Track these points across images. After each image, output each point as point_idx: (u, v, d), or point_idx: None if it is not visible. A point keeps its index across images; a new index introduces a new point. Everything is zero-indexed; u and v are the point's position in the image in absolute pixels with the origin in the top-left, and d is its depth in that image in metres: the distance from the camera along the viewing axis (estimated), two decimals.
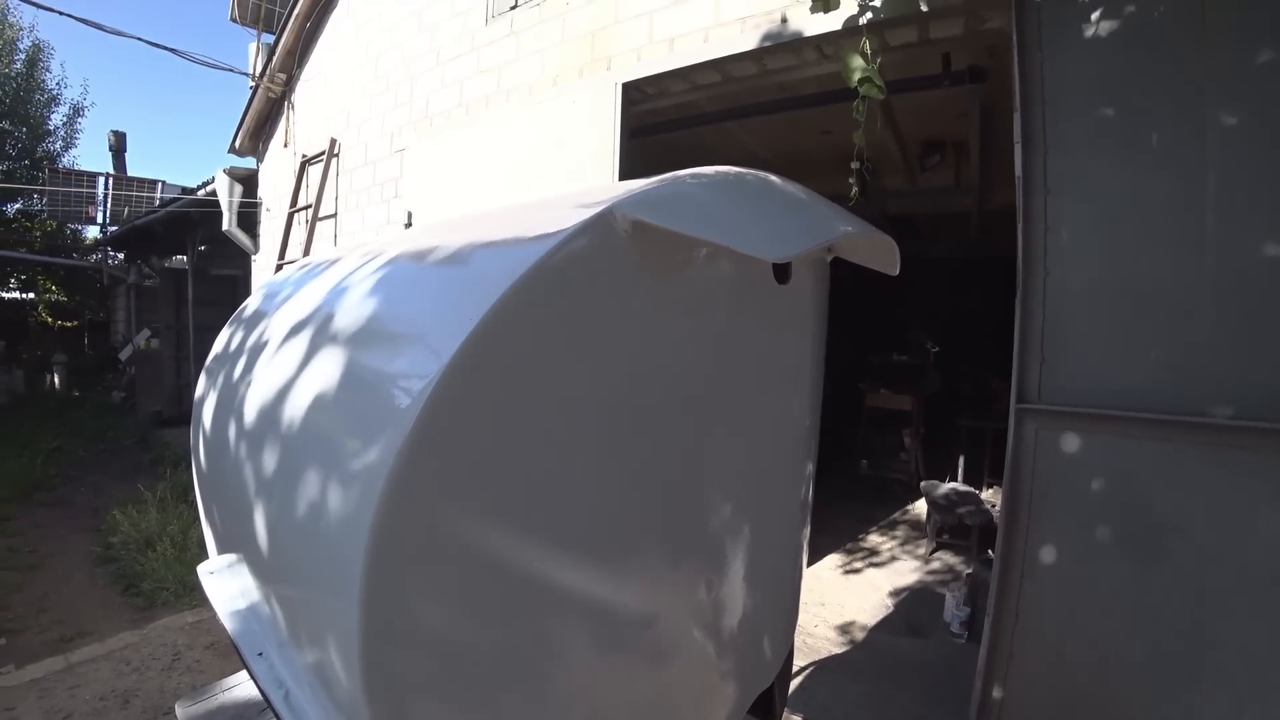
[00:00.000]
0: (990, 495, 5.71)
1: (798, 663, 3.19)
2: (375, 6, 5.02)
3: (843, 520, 5.40)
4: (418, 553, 0.69)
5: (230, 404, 1.13)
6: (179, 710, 1.54)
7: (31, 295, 15.25)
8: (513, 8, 3.82)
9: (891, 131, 4.70)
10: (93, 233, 13.96)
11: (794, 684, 3.05)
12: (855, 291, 7.93)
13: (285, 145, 6.19)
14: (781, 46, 2.75)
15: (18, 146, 13.24)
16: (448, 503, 0.70)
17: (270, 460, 0.93)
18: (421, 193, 4.38)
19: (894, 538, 5.15)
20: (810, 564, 4.52)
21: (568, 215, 0.82)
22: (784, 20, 2.71)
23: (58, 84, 14.44)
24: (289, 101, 6.11)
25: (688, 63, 2.94)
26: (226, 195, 6.50)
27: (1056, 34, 2.15)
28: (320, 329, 0.96)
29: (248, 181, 6.74)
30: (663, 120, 4.23)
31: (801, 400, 1.25)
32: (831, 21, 2.59)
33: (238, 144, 6.62)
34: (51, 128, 14.24)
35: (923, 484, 5.02)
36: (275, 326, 1.10)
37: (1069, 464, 2.10)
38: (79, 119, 14.83)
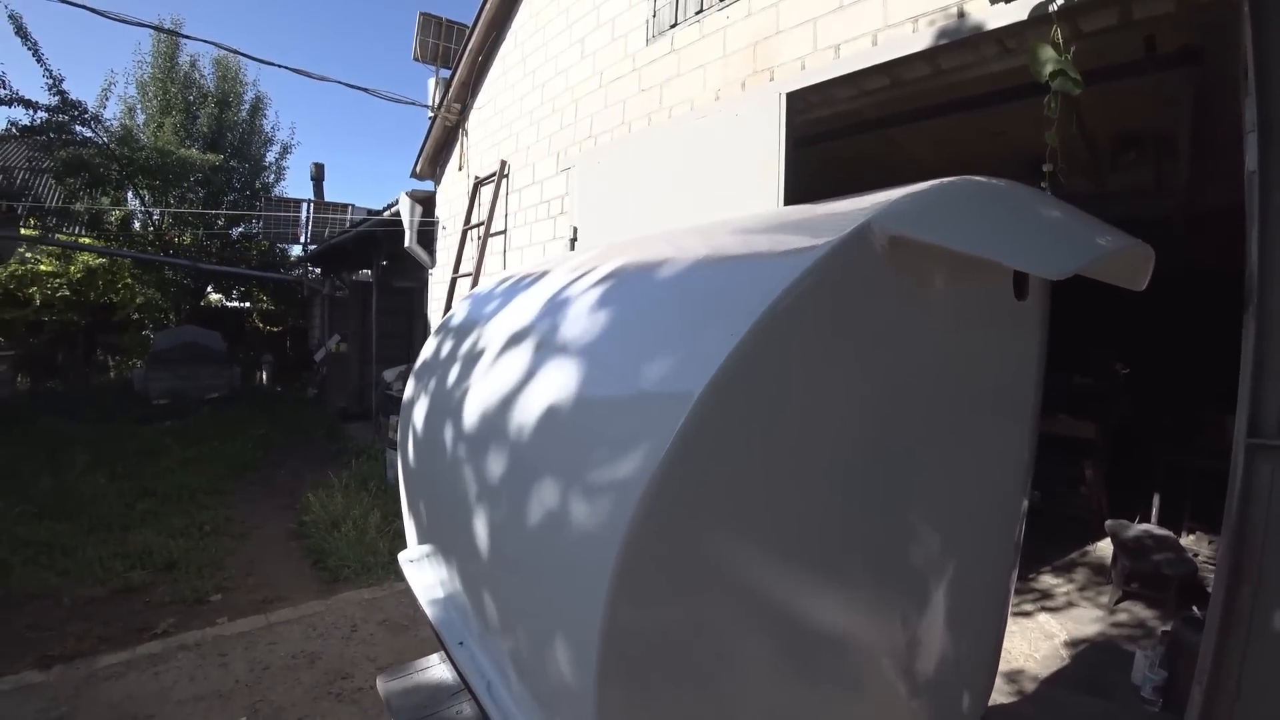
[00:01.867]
0: (1191, 542, 4.96)
1: None
2: (540, 37, 5.37)
3: None
4: (663, 571, 0.68)
5: (444, 407, 1.21)
6: (380, 682, 1.70)
7: (248, 304, 17.87)
8: (672, 26, 3.92)
9: (1078, 127, 4.27)
10: (296, 251, 16.18)
11: None
12: None
13: (460, 169, 6.78)
14: (958, 43, 2.59)
15: (241, 181, 15.69)
16: (698, 522, 0.68)
17: (497, 465, 0.95)
18: (587, 209, 4.60)
19: (1071, 581, 4.60)
20: None
21: (818, 229, 0.79)
22: (961, 14, 2.56)
23: (272, 128, 17.14)
24: (463, 129, 6.69)
25: (855, 68, 2.86)
26: (408, 215, 7.22)
27: None
28: (546, 343, 0.97)
29: (426, 202, 7.45)
30: (824, 130, 4.14)
31: (1022, 430, 1.14)
32: (1017, 11, 2.41)
33: (418, 169, 7.35)
34: (267, 164, 16.85)
35: (1109, 523, 4.45)
36: (491, 336, 1.17)
37: None
38: (288, 155, 17.41)
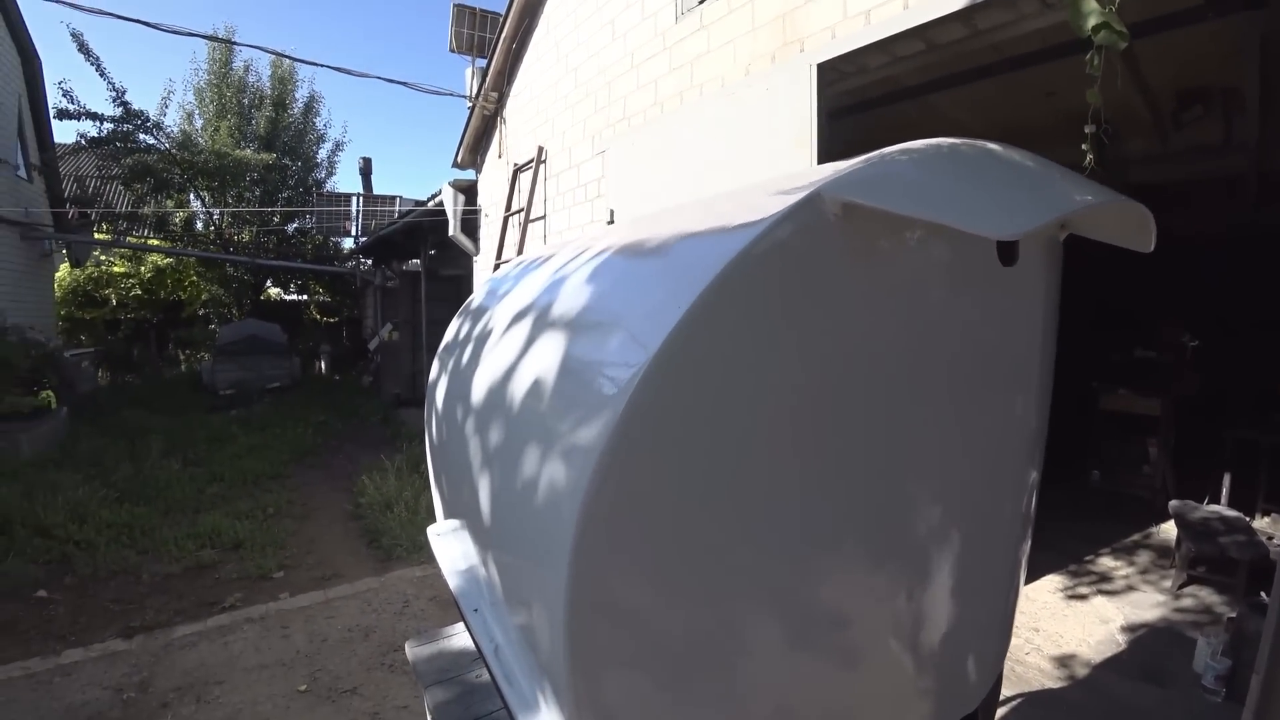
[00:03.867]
0: (1266, 525, 4.70)
1: (1005, 691, 2.87)
2: (571, 21, 5.37)
3: (1066, 537, 4.76)
4: (625, 530, 0.72)
5: (459, 386, 1.27)
6: (408, 648, 1.78)
7: (305, 297, 18.57)
8: (701, 2, 3.86)
9: (1135, 83, 4.03)
10: (348, 244, 16.70)
11: (1000, 714, 2.75)
12: (1091, 275, 6.93)
13: (499, 156, 6.85)
14: (995, 2, 2.48)
15: (295, 178, 16.23)
16: (655, 484, 0.72)
17: (495, 437, 1.03)
18: (622, 190, 4.60)
19: (1131, 564, 4.43)
20: (1028, 583, 4.04)
21: (772, 202, 0.80)
22: None
23: (325, 125, 17.67)
24: (501, 117, 6.75)
25: (888, 34, 2.76)
26: (451, 204, 7.36)
27: None
28: (538, 320, 1.04)
29: (469, 191, 7.57)
30: (860, 100, 4.02)
31: (1028, 399, 1.11)
32: None
33: (459, 159, 7.46)
34: (319, 160, 17.31)
35: (1173, 504, 4.24)
36: (498, 318, 1.22)
37: None
38: (339, 152, 17.88)
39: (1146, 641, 3.43)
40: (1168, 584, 4.03)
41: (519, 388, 0.96)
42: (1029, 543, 1.23)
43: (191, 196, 15.00)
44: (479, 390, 1.11)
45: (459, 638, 1.71)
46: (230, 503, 5.93)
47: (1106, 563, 4.43)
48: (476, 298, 1.67)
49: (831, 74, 3.14)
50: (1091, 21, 2.15)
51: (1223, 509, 4.20)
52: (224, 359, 12.16)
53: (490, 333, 1.20)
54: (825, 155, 3.00)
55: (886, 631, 0.98)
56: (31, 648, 3.45)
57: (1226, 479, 4.81)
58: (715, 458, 0.74)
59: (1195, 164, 5.00)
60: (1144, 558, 4.55)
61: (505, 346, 1.06)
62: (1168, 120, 4.53)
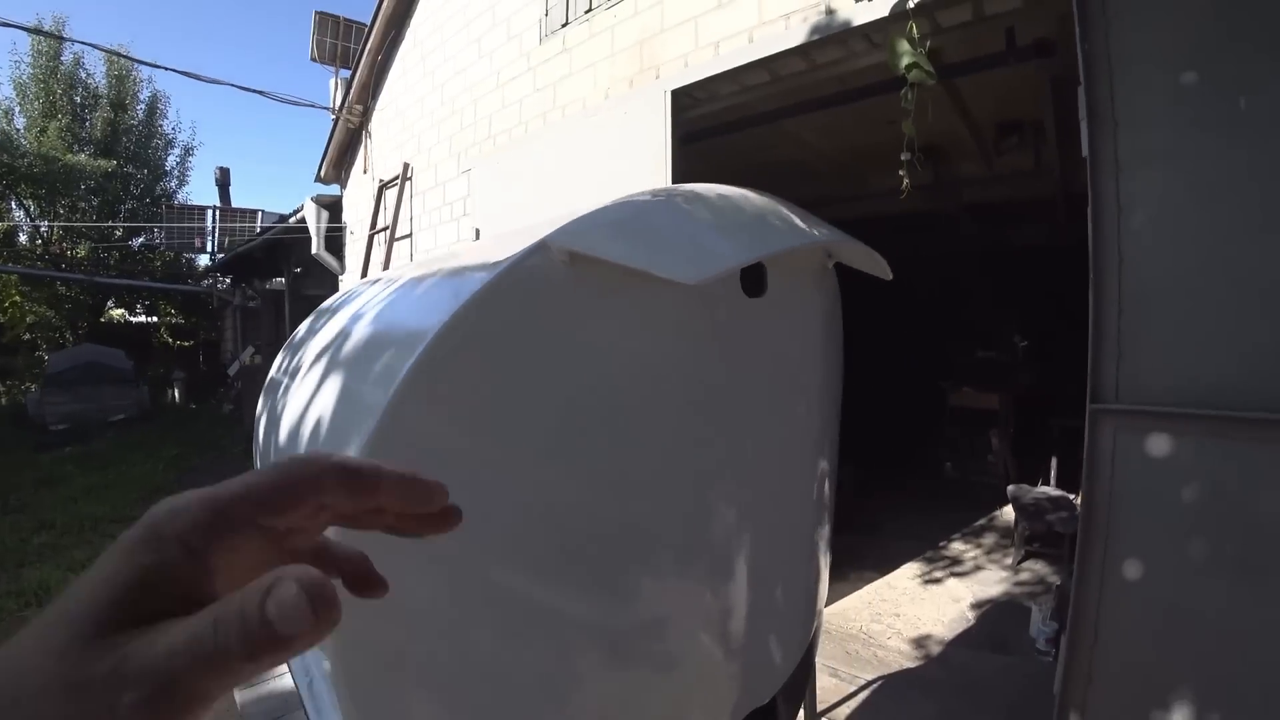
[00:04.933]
0: None
1: (865, 675, 3.07)
2: (438, 36, 5.25)
3: (923, 526, 5.17)
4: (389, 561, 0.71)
5: (273, 420, 1.21)
6: (235, 693, 1.67)
7: (154, 319, 16.86)
8: (564, 25, 3.90)
9: (961, 116, 4.47)
10: (204, 260, 15.33)
11: (860, 698, 2.94)
12: (933, 286, 7.56)
13: (365, 172, 6.56)
14: (829, 39, 2.67)
15: (140, 187, 14.76)
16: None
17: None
18: (488, 210, 4.53)
19: (979, 546, 4.87)
20: (885, 573, 4.35)
21: (523, 244, 0.85)
22: (829, 11, 2.64)
23: (173, 129, 16.07)
24: (366, 131, 6.48)
25: (734, 64, 2.91)
26: (314, 221, 6.96)
27: None
28: (335, 352, 1.02)
29: (333, 207, 7.18)
30: (718, 123, 4.20)
31: (809, 401, 1.23)
32: (878, 8, 2.50)
33: (322, 173, 7.08)
34: (168, 168, 15.81)
35: (1010, 488, 4.72)
36: (310, 349, 1.18)
37: (1153, 469, 1.92)
38: (190, 158, 16.45)
39: (992, 615, 3.78)
40: (1009, 561, 4.46)
41: (309, 420, 0.96)
42: (828, 526, 1.35)
43: (13, 205, 13.27)
44: (285, 425, 1.08)
45: (287, 676, 1.63)
46: (63, 553, 5.25)
47: (958, 546, 4.85)
48: (301, 329, 1.61)
49: (686, 100, 3.26)
50: (904, 61, 2.37)
51: (1051, 489, 4.71)
52: (55, 389, 10.79)
53: (300, 365, 1.16)
54: (680, 176, 3.11)
55: (688, 627, 1.02)
56: None
57: (1054, 462, 5.39)
58: (470, 482, 0.75)
59: (1016, 186, 5.62)
60: (990, 539, 5.02)
61: (309, 378, 1.05)
62: (991, 148, 5.06)
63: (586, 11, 3.73)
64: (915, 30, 2.40)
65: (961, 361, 6.80)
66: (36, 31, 12.04)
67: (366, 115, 6.40)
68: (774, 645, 1.18)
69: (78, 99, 14.03)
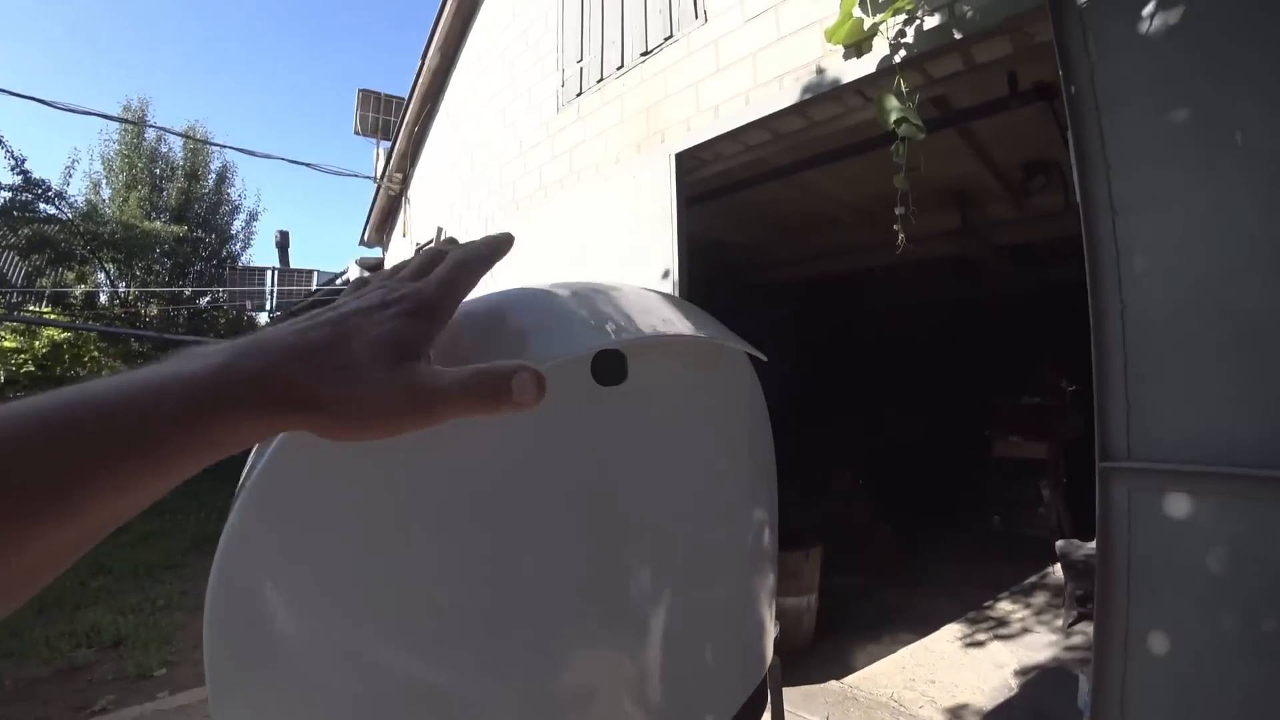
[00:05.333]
0: None
1: None
2: (467, 108, 5.56)
3: (967, 584, 4.90)
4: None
5: None
6: None
7: None
8: (578, 95, 4.08)
9: (982, 160, 4.43)
10: (263, 318, 16.20)
11: None
12: (973, 331, 7.36)
13: (404, 235, 6.88)
14: (822, 96, 2.72)
15: (209, 250, 15.80)
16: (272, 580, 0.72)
17: None
18: (512, 271, 4.68)
19: (1028, 606, 4.58)
20: (923, 634, 4.12)
21: None
22: (820, 70, 2.69)
23: (239, 196, 17.31)
24: (405, 197, 6.82)
25: (733, 126, 2.98)
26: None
27: (1105, 37, 1.95)
28: None
29: (376, 269, 7.53)
30: (734, 181, 4.27)
31: (732, 462, 1.24)
32: (866, 65, 2.54)
33: (366, 236, 7.47)
34: (234, 232, 16.94)
35: (1059, 544, 4.44)
36: None
37: (1173, 532, 1.79)
38: (254, 223, 17.55)
39: (1038, 683, 3.52)
40: (1060, 623, 4.17)
41: None
42: (771, 576, 1.32)
43: (97, 269, 14.39)
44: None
45: None
46: (117, 596, 5.48)
47: (1004, 606, 4.57)
48: None
49: (692, 161, 3.34)
50: (893, 116, 2.39)
51: None
52: None
53: None
54: (689, 235, 3.17)
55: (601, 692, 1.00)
56: None
57: None
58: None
59: (1049, 225, 5.48)
60: (1039, 598, 4.71)
61: None
62: (1018, 189, 4.97)
63: (598, 80, 3.89)
64: (903, 85, 2.43)
65: (1006, 408, 6.53)
66: (122, 120, 13.33)
67: (405, 182, 6.75)
68: (697, 698, 1.15)
69: (157, 171, 15.27)
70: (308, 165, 14.48)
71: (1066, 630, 4.08)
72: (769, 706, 1.38)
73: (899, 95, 2.38)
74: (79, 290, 14.09)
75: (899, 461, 7.09)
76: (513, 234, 0.48)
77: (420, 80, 5.94)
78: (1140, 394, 1.86)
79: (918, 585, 4.92)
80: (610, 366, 0.91)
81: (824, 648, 4.01)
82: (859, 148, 3.91)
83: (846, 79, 2.61)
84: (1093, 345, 1.96)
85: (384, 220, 7.28)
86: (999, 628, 4.23)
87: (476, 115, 5.37)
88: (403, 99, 6.63)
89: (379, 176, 6.94)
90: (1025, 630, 4.17)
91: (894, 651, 3.92)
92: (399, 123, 6.39)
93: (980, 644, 4.01)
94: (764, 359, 1.10)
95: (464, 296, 0.42)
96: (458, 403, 0.34)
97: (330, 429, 0.33)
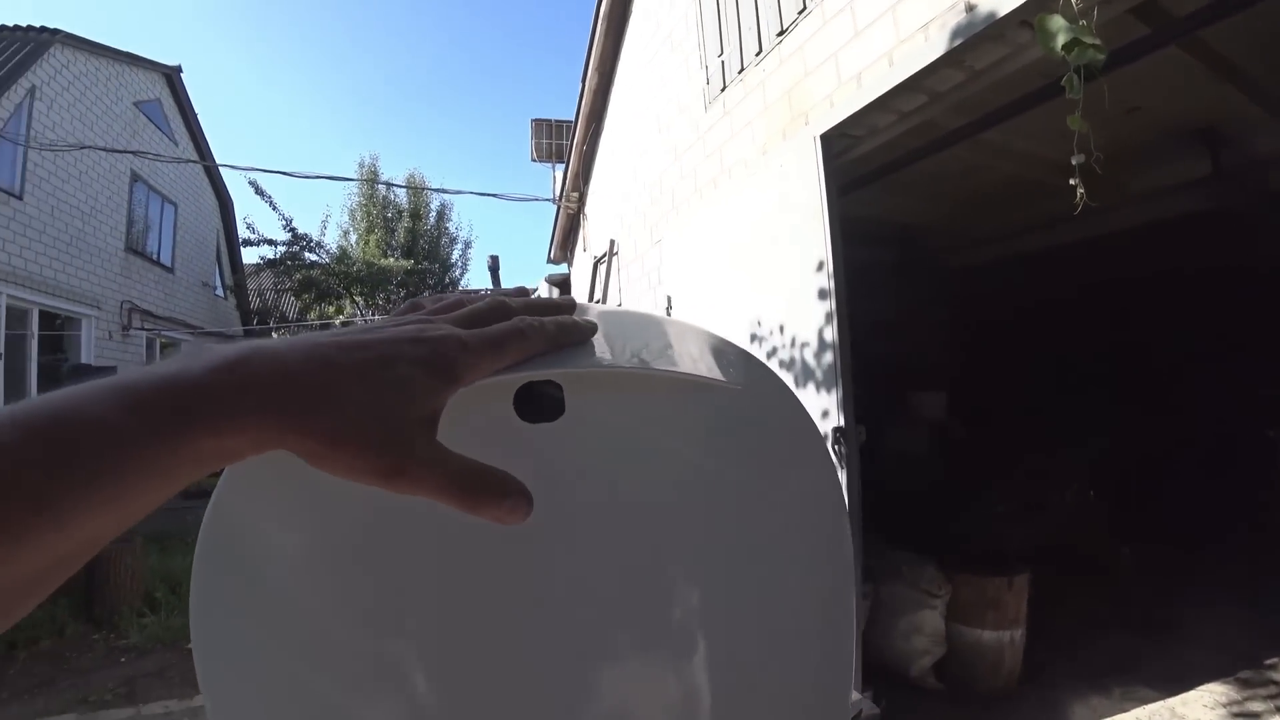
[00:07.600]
0: None
1: None
2: (628, 120, 5.73)
3: (1238, 633, 3.86)
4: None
5: None
6: None
7: None
8: (722, 90, 3.96)
9: (1232, 81, 3.54)
10: None
11: None
12: (1239, 304, 5.87)
13: (584, 250, 7.27)
14: (979, 37, 2.31)
15: (434, 279, 18.20)
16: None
17: None
18: (676, 276, 4.69)
19: None
20: (1171, 692, 3.32)
21: None
22: (969, 8, 2.28)
23: (456, 228, 19.90)
24: (582, 214, 7.20)
25: (879, 93, 2.66)
26: (546, 297, 7.86)
27: None
28: None
29: (563, 285, 8.05)
30: (902, 153, 3.84)
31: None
32: None
33: (552, 254, 8.04)
34: (453, 260, 19.37)
35: None
36: None
37: None
38: (469, 250, 19.90)
39: None
40: None
41: None
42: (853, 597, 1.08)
43: (347, 303, 17.30)
44: None
45: None
46: None
47: None
48: None
49: (843, 140, 3.05)
50: (1061, 40, 1.95)
51: None
52: None
53: None
54: (837, 223, 2.89)
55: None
56: None
57: None
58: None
59: None
60: None
61: None
62: None
63: (739, 71, 3.74)
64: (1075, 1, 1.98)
65: None
66: (358, 179, 16.81)
67: (581, 201, 7.12)
68: None
69: (389, 215, 18.05)
70: (493, 195, 16.25)
71: None
72: None
73: (1067, 12, 1.93)
74: (339, 320, 17.09)
75: (1142, 471, 5.85)
76: (596, 324, 0.42)
77: (583, 101, 6.24)
78: None
79: (1166, 629, 4.00)
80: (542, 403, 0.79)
81: (1031, 694, 3.41)
82: (1045, 92, 3.32)
83: (1004, 10, 2.19)
84: None
85: (565, 238, 7.75)
86: None
87: (634, 126, 5.49)
88: (571, 122, 7.01)
89: (557, 198, 7.40)
90: None
91: (1125, 709, 3.20)
92: (570, 146, 6.76)
93: (1255, 715, 3.12)
94: (739, 388, 0.91)
95: (505, 366, 0.36)
96: (443, 492, 0.32)
97: (318, 461, 0.31)
